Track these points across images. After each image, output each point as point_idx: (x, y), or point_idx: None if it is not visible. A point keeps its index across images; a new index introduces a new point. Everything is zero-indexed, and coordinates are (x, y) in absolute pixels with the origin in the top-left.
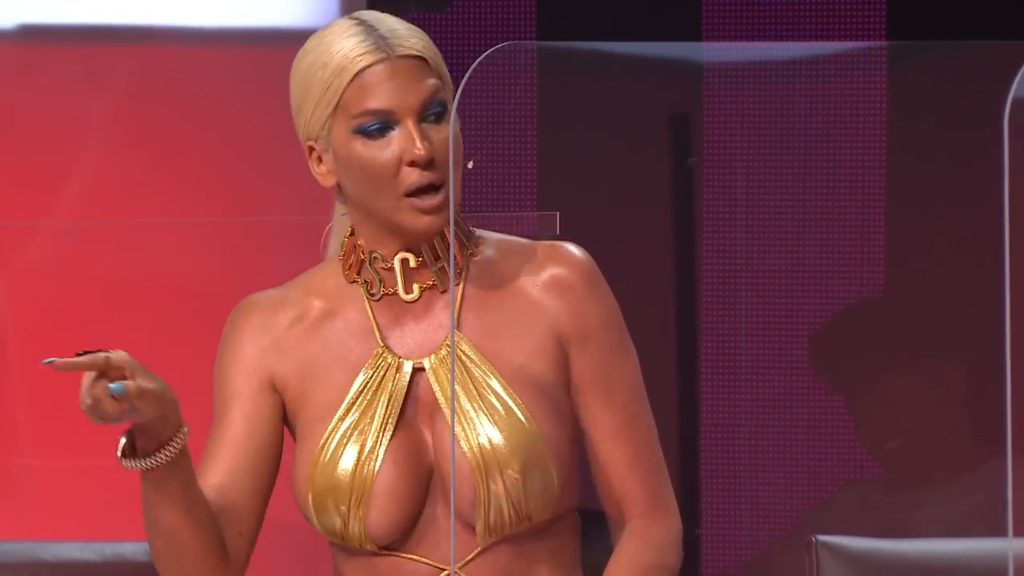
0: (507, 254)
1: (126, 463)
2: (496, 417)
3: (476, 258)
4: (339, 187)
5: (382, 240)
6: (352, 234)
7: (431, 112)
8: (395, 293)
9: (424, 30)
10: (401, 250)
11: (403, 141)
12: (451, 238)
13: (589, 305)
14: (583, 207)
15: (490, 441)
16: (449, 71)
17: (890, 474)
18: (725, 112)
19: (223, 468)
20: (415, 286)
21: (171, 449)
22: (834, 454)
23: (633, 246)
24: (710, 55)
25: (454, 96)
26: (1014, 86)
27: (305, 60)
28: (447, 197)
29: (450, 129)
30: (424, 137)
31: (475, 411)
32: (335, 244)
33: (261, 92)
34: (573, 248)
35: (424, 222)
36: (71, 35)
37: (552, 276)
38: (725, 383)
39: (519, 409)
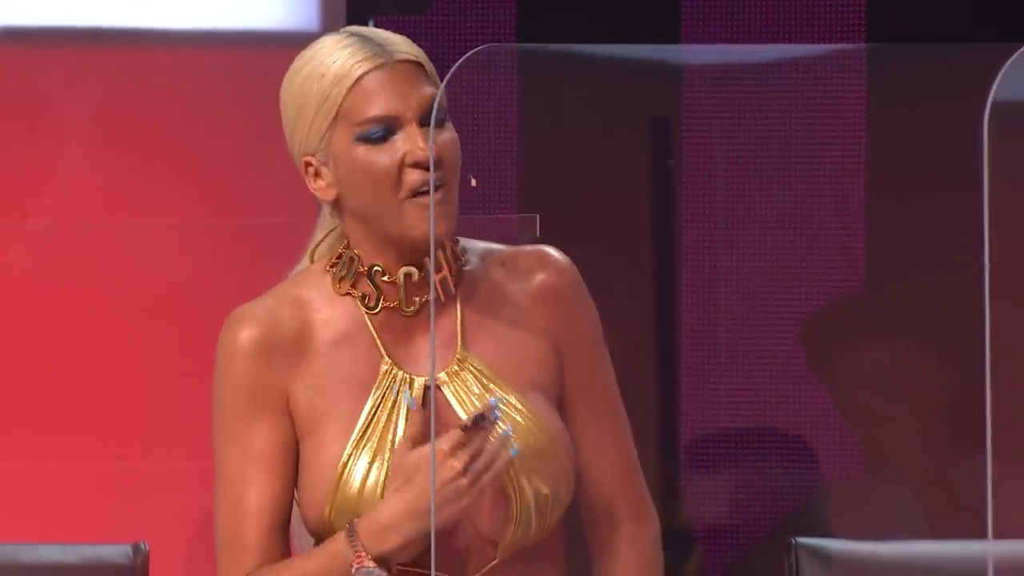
0: (492, 263)
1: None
2: (520, 432)
3: (466, 268)
4: (336, 201)
5: (384, 253)
6: (347, 246)
7: (433, 116)
8: (395, 307)
9: (403, 32)
10: (404, 264)
11: (406, 143)
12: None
13: (576, 312)
14: (563, 209)
15: (520, 457)
16: None
17: (871, 473)
18: (705, 114)
19: (268, 485)
20: (415, 299)
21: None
22: (814, 456)
23: (613, 248)
24: (689, 57)
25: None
26: (994, 88)
27: (298, 76)
28: (450, 199)
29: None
30: (426, 139)
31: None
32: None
33: (244, 94)
34: (556, 253)
35: (427, 226)
36: (53, 37)
37: (541, 283)
38: (705, 385)
39: (538, 423)
